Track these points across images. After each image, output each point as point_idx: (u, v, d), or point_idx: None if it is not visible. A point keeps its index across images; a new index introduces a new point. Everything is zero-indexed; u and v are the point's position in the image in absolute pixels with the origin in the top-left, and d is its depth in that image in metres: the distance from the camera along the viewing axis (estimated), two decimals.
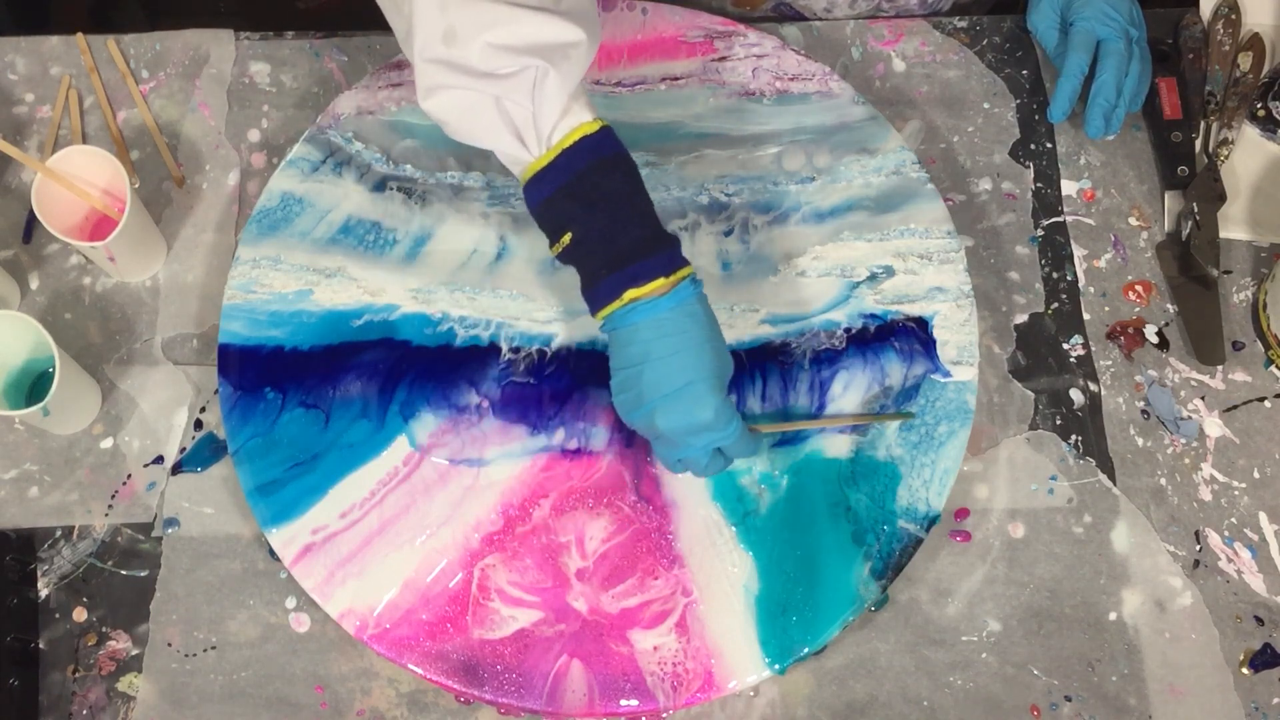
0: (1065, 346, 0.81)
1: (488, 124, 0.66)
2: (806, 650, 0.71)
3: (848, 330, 0.78)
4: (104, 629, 0.74)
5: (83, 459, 0.78)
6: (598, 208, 0.66)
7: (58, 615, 0.74)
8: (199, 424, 0.79)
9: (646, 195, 0.68)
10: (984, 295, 0.82)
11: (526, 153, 0.66)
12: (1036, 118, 0.87)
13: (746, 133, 0.83)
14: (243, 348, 0.77)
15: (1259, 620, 0.75)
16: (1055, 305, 0.82)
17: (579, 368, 0.77)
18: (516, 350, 0.78)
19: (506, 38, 0.63)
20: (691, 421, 0.66)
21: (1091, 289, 0.83)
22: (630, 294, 0.65)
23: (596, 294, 0.67)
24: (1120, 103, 0.80)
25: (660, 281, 0.65)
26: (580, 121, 0.66)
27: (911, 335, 0.78)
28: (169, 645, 0.74)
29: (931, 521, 0.74)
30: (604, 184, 0.66)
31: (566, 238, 0.67)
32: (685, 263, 0.67)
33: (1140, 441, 0.79)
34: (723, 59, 0.85)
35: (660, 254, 0.66)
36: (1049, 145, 0.86)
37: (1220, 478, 0.78)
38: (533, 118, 0.65)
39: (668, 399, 0.66)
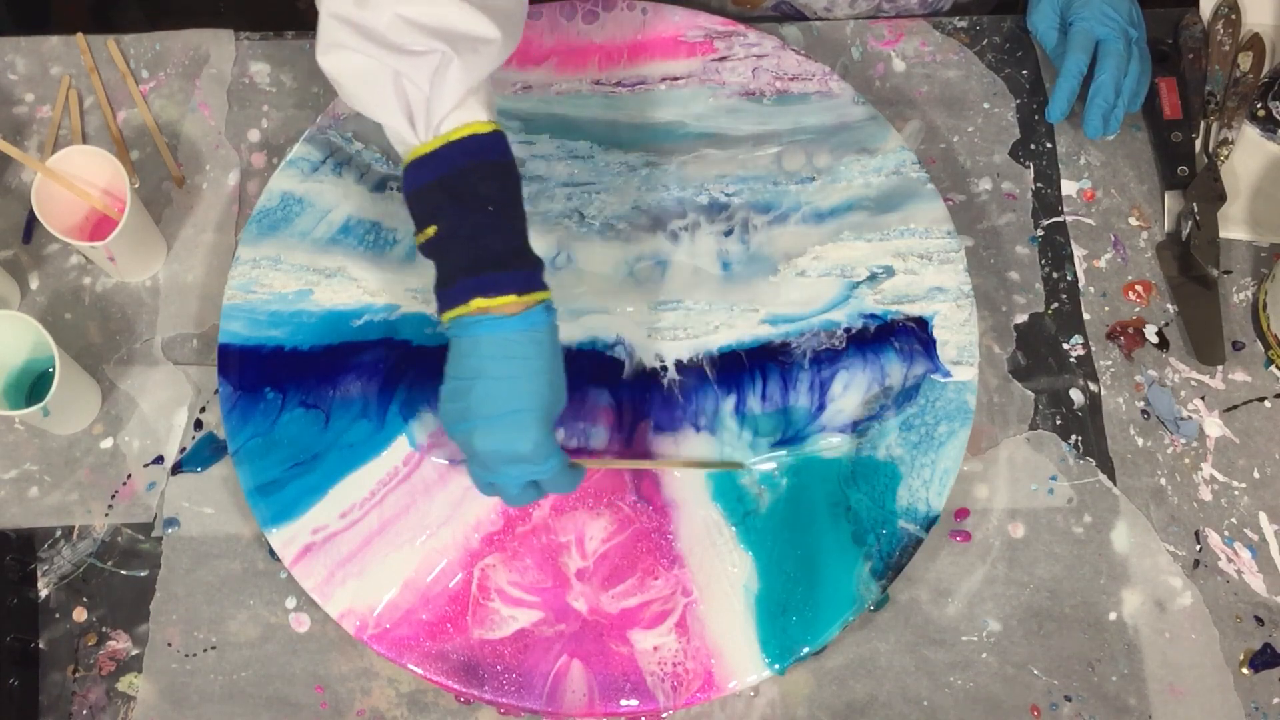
0: (1065, 346, 0.81)
1: (381, 96, 0.64)
2: (806, 650, 0.71)
3: (848, 330, 0.78)
4: (104, 629, 0.74)
5: (83, 459, 0.78)
6: (469, 209, 0.64)
7: (58, 615, 0.74)
8: (199, 424, 0.79)
9: (522, 211, 0.66)
10: (984, 295, 0.82)
11: (413, 135, 0.65)
12: (1036, 118, 0.87)
13: (746, 133, 0.83)
14: (243, 348, 0.77)
15: (1259, 620, 0.75)
16: (1055, 305, 0.82)
17: (579, 368, 0.77)
18: None
19: (419, 15, 0.62)
20: (509, 450, 0.63)
21: (1091, 289, 0.83)
22: (478, 303, 0.63)
23: (448, 295, 0.64)
24: (1119, 103, 0.80)
25: (511, 299, 0.63)
26: (474, 119, 0.64)
27: (911, 335, 0.78)
28: (169, 645, 0.74)
29: (931, 521, 0.74)
30: (481, 187, 0.64)
31: (432, 230, 0.64)
32: (543, 287, 0.65)
33: (1140, 441, 0.79)
34: (723, 59, 0.85)
35: (519, 271, 0.64)
36: (1049, 145, 0.86)
37: (1220, 478, 0.78)
38: (426, 102, 0.63)
39: (489, 421, 0.63)
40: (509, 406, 0.63)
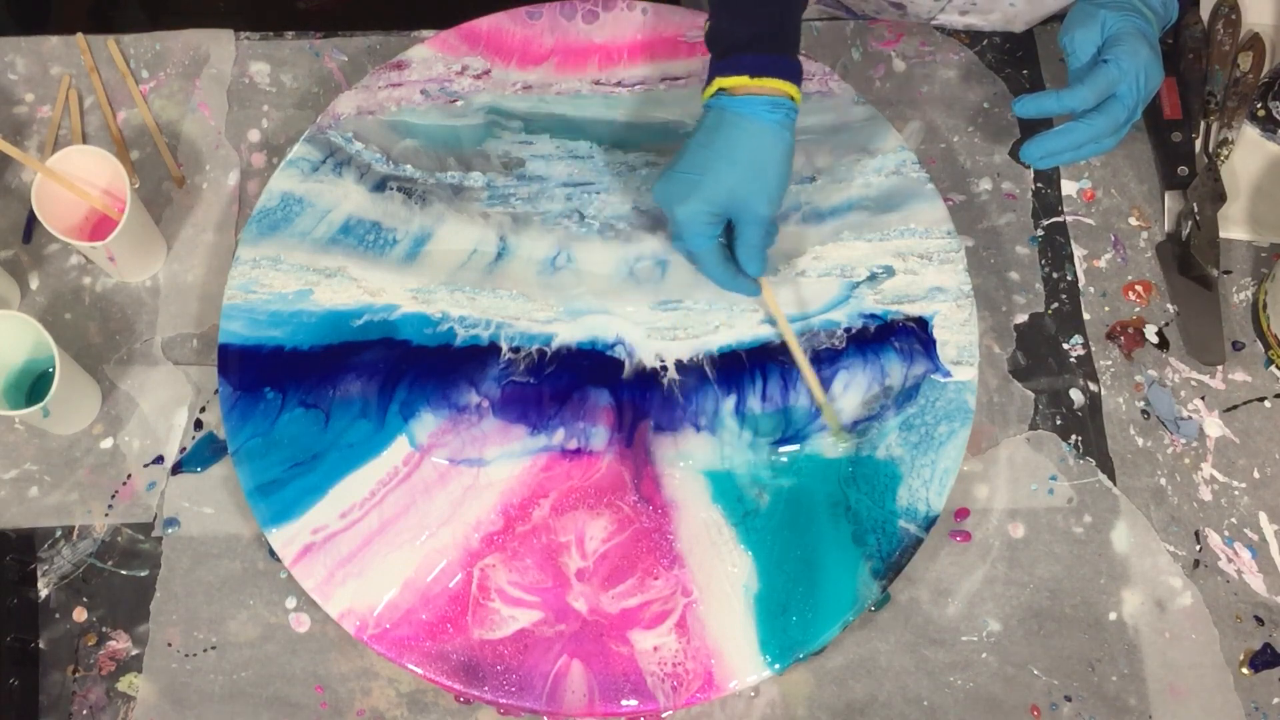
0: (1065, 346, 0.81)
1: None
2: (806, 650, 0.71)
3: (848, 330, 0.78)
4: (104, 629, 0.74)
5: (83, 459, 0.78)
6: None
7: (58, 615, 0.74)
8: (199, 424, 0.79)
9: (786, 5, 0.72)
10: (984, 295, 0.82)
11: None
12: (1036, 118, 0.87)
13: None
14: (243, 348, 0.77)
15: (1259, 620, 0.75)
16: (1055, 305, 0.82)
17: (579, 368, 0.77)
18: (516, 350, 0.78)
19: None
20: (666, 209, 0.73)
21: (1091, 289, 0.83)
22: (718, 81, 0.71)
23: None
24: (1071, 156, 0.73)
25: (744, 79, 0.70)
26: None
27: (911, 335, 0.78)
28: (169, 645, 0.74)
29: (931, 521, 0.74)
30: None
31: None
32: (781, 76, 0.70)
33: (1140, 441, 0.79)
34: None
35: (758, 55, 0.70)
36: None
37: (1220, 478, 0.78)
38: None
39: (667, 176, 0.72)
40: (681, 167, 0.71)
